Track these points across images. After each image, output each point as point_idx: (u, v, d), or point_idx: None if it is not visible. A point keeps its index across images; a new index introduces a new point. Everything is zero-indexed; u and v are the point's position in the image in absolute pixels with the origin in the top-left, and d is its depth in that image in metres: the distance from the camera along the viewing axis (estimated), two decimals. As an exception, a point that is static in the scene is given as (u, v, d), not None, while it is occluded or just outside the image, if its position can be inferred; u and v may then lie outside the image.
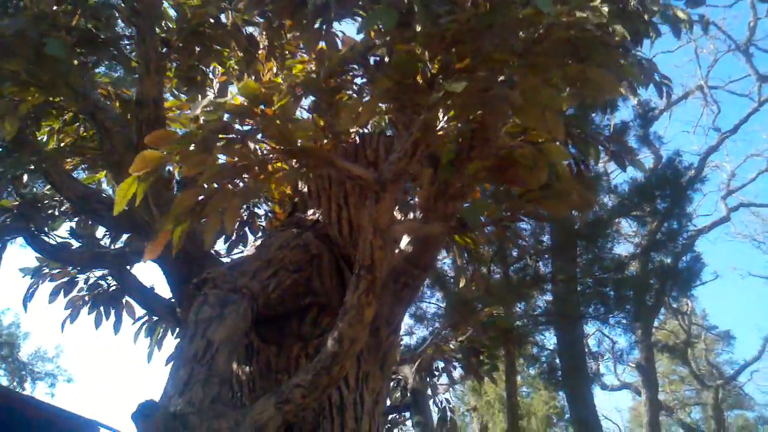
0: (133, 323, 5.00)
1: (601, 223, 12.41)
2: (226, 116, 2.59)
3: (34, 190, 4.94)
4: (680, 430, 27.97)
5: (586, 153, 3.54)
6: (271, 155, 2.72)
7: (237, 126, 2.64)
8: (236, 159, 2.66)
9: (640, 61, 3.50)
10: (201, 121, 2.56)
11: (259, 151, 2.73)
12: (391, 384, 7.95)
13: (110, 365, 61.90)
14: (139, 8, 3.67)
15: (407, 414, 8.25)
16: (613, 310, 12.84)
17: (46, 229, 4.32)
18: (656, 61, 3.65)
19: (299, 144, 2.68)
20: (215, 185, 2.68)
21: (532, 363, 14.79)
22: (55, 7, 3.44)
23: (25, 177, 4.34)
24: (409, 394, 7.75)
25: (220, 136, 2.58)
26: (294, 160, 2.78)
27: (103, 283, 4.89)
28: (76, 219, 4.63)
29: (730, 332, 26.78)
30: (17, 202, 4.31)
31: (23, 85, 3.41)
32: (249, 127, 2.63)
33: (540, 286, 12.61)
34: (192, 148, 2.53)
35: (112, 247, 4.88)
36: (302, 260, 3.47)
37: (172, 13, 4.33)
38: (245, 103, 2.59)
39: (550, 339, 14.74)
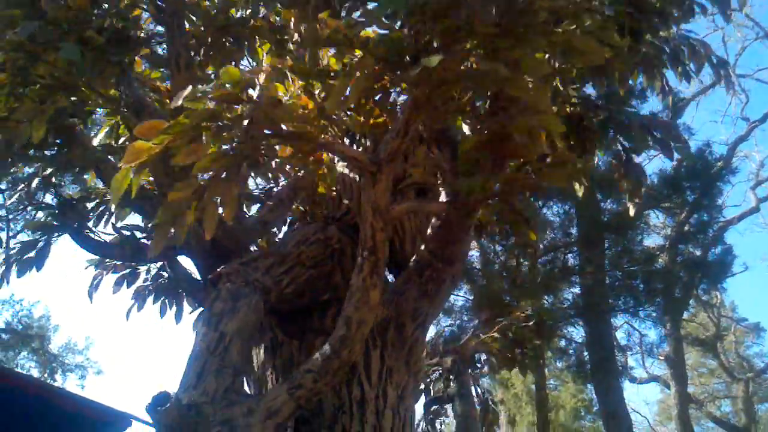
0: (191, 312, 5.04)
1: (630, 215, 12.29)
2: (212, 104, 2.58)
3: (70, 190, 5.01)
4: (710, 423, 27.68)
5: (635, 141, 3.50)
6: (263, 141, 2.72)
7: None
8: (228, 146, 2.65)
9: (692, 43, 3.44)
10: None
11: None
12: (434, 375, 7.94)
13: (139, 356, 62.63)
14: (165, 7, 3.70)
15: (449, 405, 8.23)
16: (643, 302, 12.74)
17: (89, 225, 4.38)
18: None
19: (291, 128, 2.70)
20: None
21: (561, 356, 14.72)
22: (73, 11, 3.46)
23: (67, 176, 4.39)
24: (452, 384, 7.74)
25: (207, 124, 2.58)
26: (288, 146, 2.79)
27: (164, 273, 4.98)
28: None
29: (760, 324, 26.52)
30: (59, 201, 4.37)
31: (48, 89, 3.43)
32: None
33: (568, 278, 12.56)
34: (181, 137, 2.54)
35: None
36: (321, 255, 3.49)
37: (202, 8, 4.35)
38: (230, 89, 2.59)
39: (578, 332, 14.68)
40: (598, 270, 12.45)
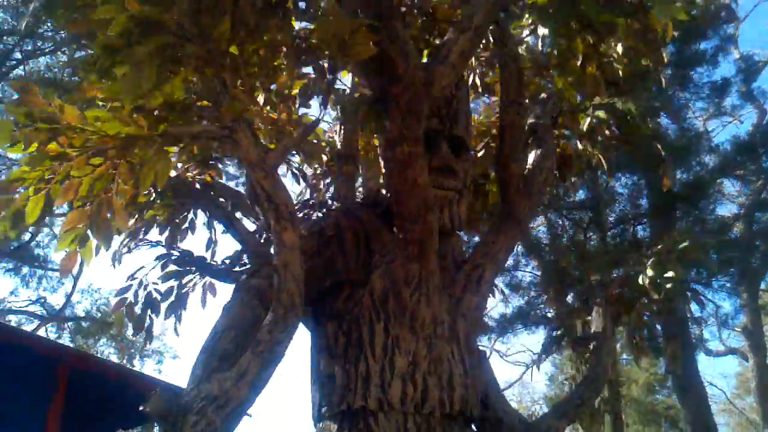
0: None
1: (702, 184, 11.95)
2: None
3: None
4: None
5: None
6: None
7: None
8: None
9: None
10: None
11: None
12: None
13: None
14: None
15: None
16: (716, 273, 12.39)
17: None
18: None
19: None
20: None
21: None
22: None
23: None
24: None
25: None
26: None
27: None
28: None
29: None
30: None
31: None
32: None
33: (639, 251, 12.27)
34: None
35: None
36: (314, 247, 3.39)
37: None
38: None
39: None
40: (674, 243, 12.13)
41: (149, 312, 3.92)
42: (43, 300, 22.64)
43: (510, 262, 14.49)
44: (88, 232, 2.86)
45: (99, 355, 20.54)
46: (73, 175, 2.79)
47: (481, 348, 3.51)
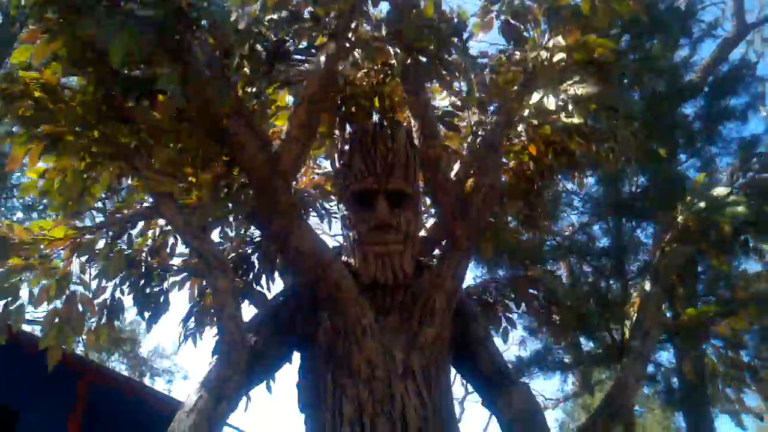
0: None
1: (726, 238, 11.88)
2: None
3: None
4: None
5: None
6: None
7: None
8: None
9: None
10: None
11: None
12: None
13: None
14: None
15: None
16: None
17: None
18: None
19: None
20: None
21: (649, 382, 14.30)
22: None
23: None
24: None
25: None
26: None
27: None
28: None
29: None
30: None
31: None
32: None
33: (684, 285, 12.12)
34: None
35: None
36: (276, 309, 3.65)
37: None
38: None
39: (666, 356, 14.21)
40: (691, 295, 12.06)
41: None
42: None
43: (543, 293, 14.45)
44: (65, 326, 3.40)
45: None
46: (42, 281, 3.32)
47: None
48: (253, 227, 4.39)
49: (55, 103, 2.96)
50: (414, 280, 3.60)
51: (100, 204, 3.70)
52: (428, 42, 3.26)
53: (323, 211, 4.82)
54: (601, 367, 14.10)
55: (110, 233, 3.57)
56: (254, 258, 4.54)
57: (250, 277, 4.49)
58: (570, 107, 3.24)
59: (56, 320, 3.36)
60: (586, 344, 13.46)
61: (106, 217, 3.61)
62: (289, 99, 4.07)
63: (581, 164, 4.21)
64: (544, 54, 3.44)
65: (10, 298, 3.22)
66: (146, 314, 4.03)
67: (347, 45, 3.30)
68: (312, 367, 3.47)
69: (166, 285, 4.13)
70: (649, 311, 3.84)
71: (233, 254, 4.43)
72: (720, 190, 3.78)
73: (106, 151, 3.08)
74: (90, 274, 3.62)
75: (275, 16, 3.33)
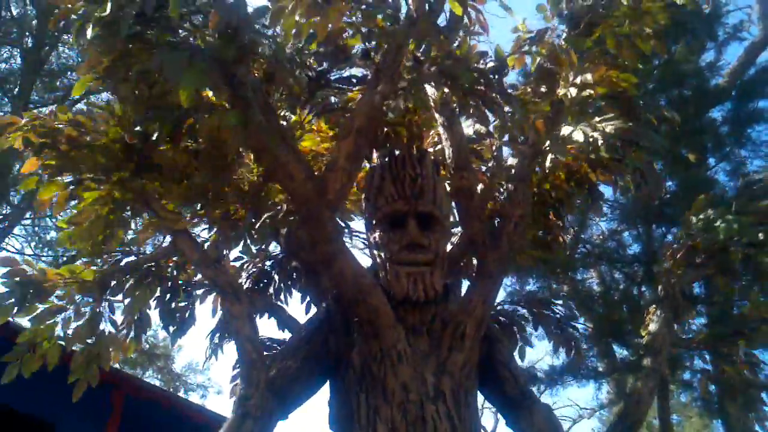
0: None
1: (732, 263, 11.73)
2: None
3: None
4: None
5: None
6: None
7: None
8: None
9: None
10: None
11: None
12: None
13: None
14: None
15: None
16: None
17: None
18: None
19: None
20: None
21: (686, 389, 14.12)
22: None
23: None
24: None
25: None
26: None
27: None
28: None
29: None
30: None
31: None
32: None
33: (694, 307, 12.02)
34: None
35: None
36: (311, 332, 3.73)
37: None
38: None
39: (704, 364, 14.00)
40: (727, 299, 11.92)
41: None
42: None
43: (562, 312, 14.36)
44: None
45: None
46: (74, 324, 3.52)
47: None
48: (275, 243, 4.51)
49: (78, 149, 3.20)
50: (442, 302, 3.72)
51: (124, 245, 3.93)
52: (475, 81, 3.41)
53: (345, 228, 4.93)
54: (636, 375, 13.90)
55: (137, 273, 3.77)
56: (274, 273, 4.65)
57: (270, 291, 4.61)
58: (599, 142, 3.32)
59: (84, 356, 3.57)
60: (620, 352, 13.40)
61: (133, 260, 3.82)
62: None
63: (601, 194, 4.31)
64: (573, 91, 3.56)
65: (47, 339, 3.48)
66: (171, 329, 4.13)
67: (400, 84, 3.45)
68: (344, 387, 3.54)
69: (192, 300, 4.23)
70: (659, 332, 3.92)
71: (254, 270, 4.56)
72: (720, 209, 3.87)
73: (126, 197, 3.32)
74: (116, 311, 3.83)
75: (321, 49, 3.47)
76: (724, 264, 3.86)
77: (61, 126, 3.16)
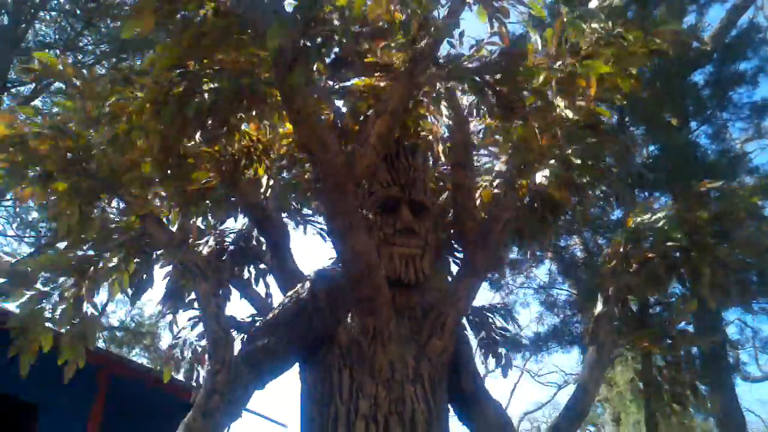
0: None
1: (659, 273, 11.78)
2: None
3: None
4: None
5: None
6: None
7: None
8: None
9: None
10: None
11: None
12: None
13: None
14: None
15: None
16: (756, 296, 12.21)
17: None
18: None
19: None
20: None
21: (668, 352, 14.28)
22: None
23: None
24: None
25: None
26: None
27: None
28: None
29: None
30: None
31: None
32: None
33: (675, 272, 12.09)
34: None
35: None
36: (294, 311, 3.78)
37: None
38: None
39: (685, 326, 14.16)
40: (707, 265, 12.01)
41: (196, 365, 4.57)
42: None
43: (545, 280, 14.44)
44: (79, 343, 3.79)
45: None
46: (60, 307, 3.72)
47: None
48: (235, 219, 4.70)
49: (45, 143, 3.39)
50: (424, 289, 3.90)
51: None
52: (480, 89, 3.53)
53: (299, 218, 5.06)
54: (621, 339, 14.01)
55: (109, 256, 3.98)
56: (232, 248, 4.72)
57: (235, 270, 4.66)
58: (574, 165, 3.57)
59: (70, 337, 3.72)
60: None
61: (110, 243, 3.98)
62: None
63: (564, 212, 4.51)
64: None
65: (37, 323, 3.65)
66: (129, 291, 4.19)
67: (443, 73, 3.48)
68: (324, 365, 3.65)
69: (150, 263, 4.29)
70: (602, 327, 4.03)
71: (215, 246, 4.62)
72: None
73: (93, 186, 3.55)
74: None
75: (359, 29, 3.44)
76: (651, 275, 4.07)
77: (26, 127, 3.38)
